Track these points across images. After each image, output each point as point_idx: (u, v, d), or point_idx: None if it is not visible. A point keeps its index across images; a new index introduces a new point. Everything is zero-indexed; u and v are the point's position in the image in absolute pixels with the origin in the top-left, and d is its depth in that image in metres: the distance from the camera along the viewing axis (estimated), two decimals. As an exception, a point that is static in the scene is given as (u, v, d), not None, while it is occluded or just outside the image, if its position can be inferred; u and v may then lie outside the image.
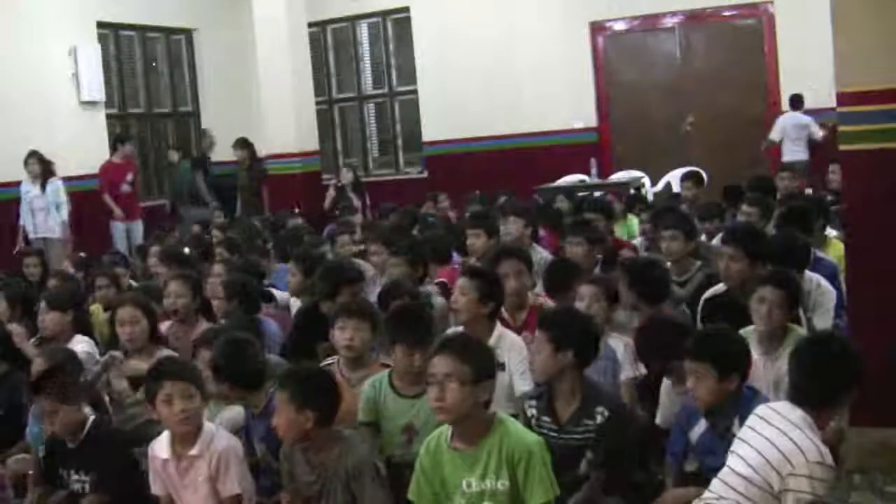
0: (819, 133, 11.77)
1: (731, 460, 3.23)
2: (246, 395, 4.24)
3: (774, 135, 12.22)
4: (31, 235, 11.06)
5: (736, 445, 3.27)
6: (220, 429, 3.95)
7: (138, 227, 12.22)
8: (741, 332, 4.21)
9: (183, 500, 3.86)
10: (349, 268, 5.90)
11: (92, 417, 4.17)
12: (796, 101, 12.23)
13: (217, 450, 3.77)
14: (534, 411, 3.85)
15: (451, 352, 3.30)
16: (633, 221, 8.84)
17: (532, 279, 5.55)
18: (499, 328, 4.66)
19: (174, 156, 14.22)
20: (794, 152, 12.08)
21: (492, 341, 4.39)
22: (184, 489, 3.84)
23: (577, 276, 5.30)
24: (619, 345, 4.47)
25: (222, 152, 15.09)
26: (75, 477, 4.11)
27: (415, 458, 3.53)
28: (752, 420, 3.28)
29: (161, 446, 3.89)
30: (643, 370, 4.36)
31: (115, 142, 12.63)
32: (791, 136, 12.15)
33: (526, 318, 5.15)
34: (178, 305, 5.66)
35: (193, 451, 3.79)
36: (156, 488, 3.94)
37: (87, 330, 5.88)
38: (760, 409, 3.29)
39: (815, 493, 3.02)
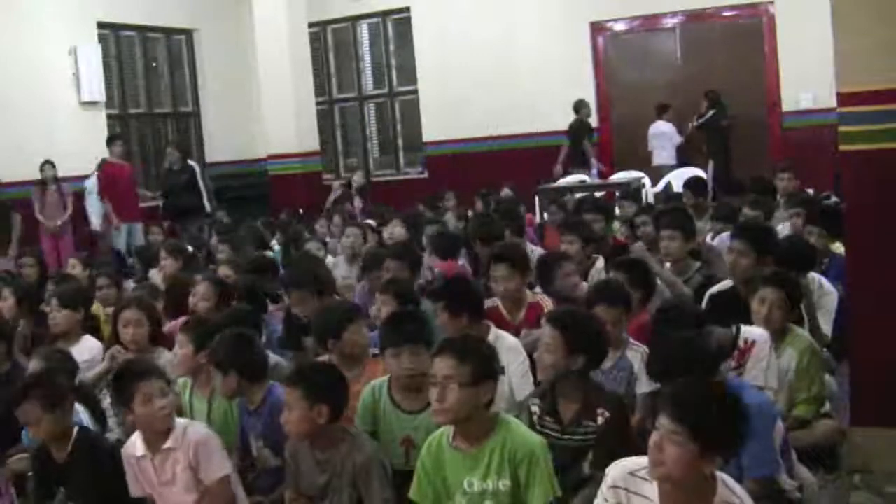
0: (678, 138, 12.90)
1: None
2: (248, 388, 4.24)
3: (649, 144, 13.04)
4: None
5: None
6: (192, 422, 3.95)
7: (137, 227, 12.08)
8: (745, 329, 4.21)
9: (162, 495, 3.85)
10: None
11: (76, 429, 4.06)
12: (659, 110, 13.00)
13: (193, 440, 3.77)
14: (537, 409, 3.84)
15: (452, 353, 3.29)
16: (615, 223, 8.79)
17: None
18: (494, 331, 4.62)
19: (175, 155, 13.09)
20: (661, 158, 12.89)
21: None
22: (162, 485, 3.83)
23: (559, 263, 5.53)
24: (635, 357, 4.38)
25: (220, 153, 15.13)
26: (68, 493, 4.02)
27: (412, 468, 3.52)
28: None
29: (135, 446, 3.87)
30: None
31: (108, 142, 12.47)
32: (655, 143, 12.98)
33: (524, 315, 5.18)
34: (201, 308, 5.65)
35: (168, 444, 3.79)
36: (135, 490, 3.92)
37: (94, 330, 5.89)
38: None
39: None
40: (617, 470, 2.89)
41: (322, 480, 3.70)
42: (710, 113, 12.80)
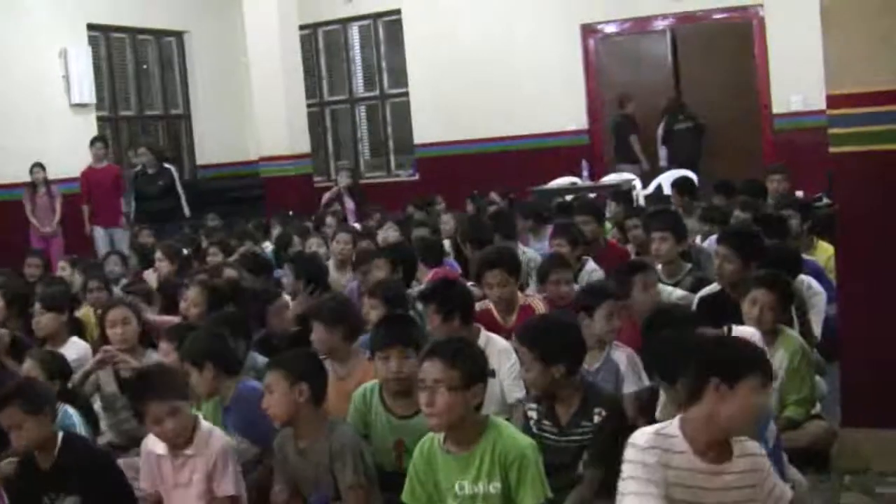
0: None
1: None
2: (223, 383, 4.26)
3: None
4: None
5: None
6: (215, 428, 3.92)
7: (121, 232, 11.73)
8: (737, 328, 4.22)
9: (173, 498, 3.84)
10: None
11: (61, 434, 3.98)
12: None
13: (214, 449, 3.75)
14: (534, 414, 3.84)
15: (441, 357, 3.28)
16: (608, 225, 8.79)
17: (523, 280, 5.57)
18: (484, 333, 4.61)
19: (148, 157, 11.91)
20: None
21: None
22: (176, 487, 3.81)
23: (554, 269, 5.54)
24: (621, 357, 4.40)
25: (211, 155, 15.10)
26: (56, 500, 3.91)
27: (404, 471, 3.52)
28: None
29: (155, 443, 3.85)
30: (646, 382, 4.35)
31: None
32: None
33: (516, 318, 5.16)
34: (191, 313, 5.62)
35: (189, 451, 3.77)
36: (145, 484, 3.90)
37: (81, 332, 5.87)
38: None
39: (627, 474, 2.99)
40: (643, 435, 2.98)
41: (305, 470, 3.71)
42: (664, 121, 13.00)
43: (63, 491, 3.87)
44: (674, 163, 12.54)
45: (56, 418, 4.05)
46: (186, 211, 11.84)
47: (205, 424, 3.85)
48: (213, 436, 3.81)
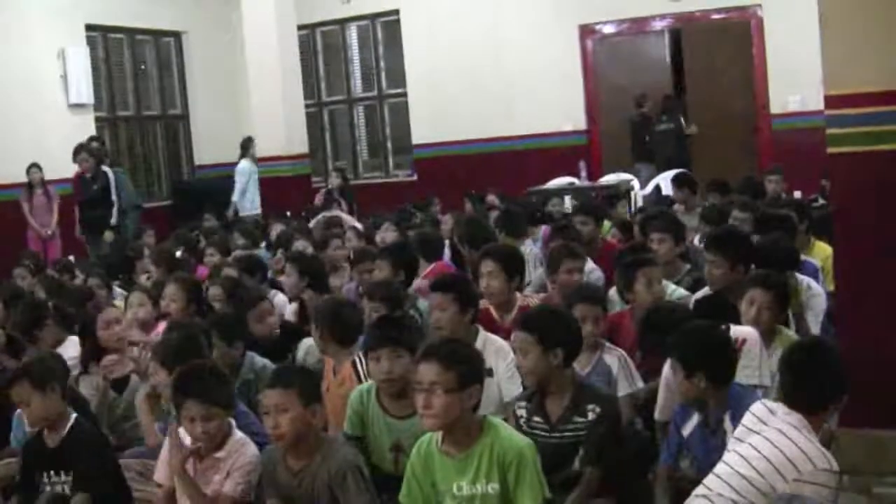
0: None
1: (730, 457, 3.21)
2: None
3: None
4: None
5: (734, 443, 3.27)
6: (249, 441, 3.85)
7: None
8: (735, 328, 4.22)
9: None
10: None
11: (74, 416, 4.11)
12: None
13: (245, 456, 3.74)
14: (524, 412, 3.83)
15: (437, 359, 3.26)
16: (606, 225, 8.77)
17: (524, 278, 5.56)
18: (483, 333, 4.60)
19: (90, 162, 11.43)
20: None
21: (476, 346, 4.34)
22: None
23: (564, 259, 5.54)
24: (613, 360, 4.39)
25: (209, 155, 15.09)
26: (55, 479, 4.03)
27: (402, 474, 3.50)
28: (748, 418, 3.29)
29: (185, 435, 3.82)
30: (640, 384, 4.36)
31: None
32: None
33: (514, 318, 5.13)
34: (172, 309, 5.63)
35: (220, 454, 3.75)
36: (161, 476, 3.90)
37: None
38: (757, 407, 3.30)
39: (822, 500, 3.02)
40: (832, 461, 3.14)
41: (299, 490, 3.62)
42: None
43: (64, 471, 3.99)
44: (655, 163, 12.52)
45: (66, 396, 4.17)
46: (114, 219, 11.34)
47: (238, 434, 3.82)
48: (247, 446, 3.79)
